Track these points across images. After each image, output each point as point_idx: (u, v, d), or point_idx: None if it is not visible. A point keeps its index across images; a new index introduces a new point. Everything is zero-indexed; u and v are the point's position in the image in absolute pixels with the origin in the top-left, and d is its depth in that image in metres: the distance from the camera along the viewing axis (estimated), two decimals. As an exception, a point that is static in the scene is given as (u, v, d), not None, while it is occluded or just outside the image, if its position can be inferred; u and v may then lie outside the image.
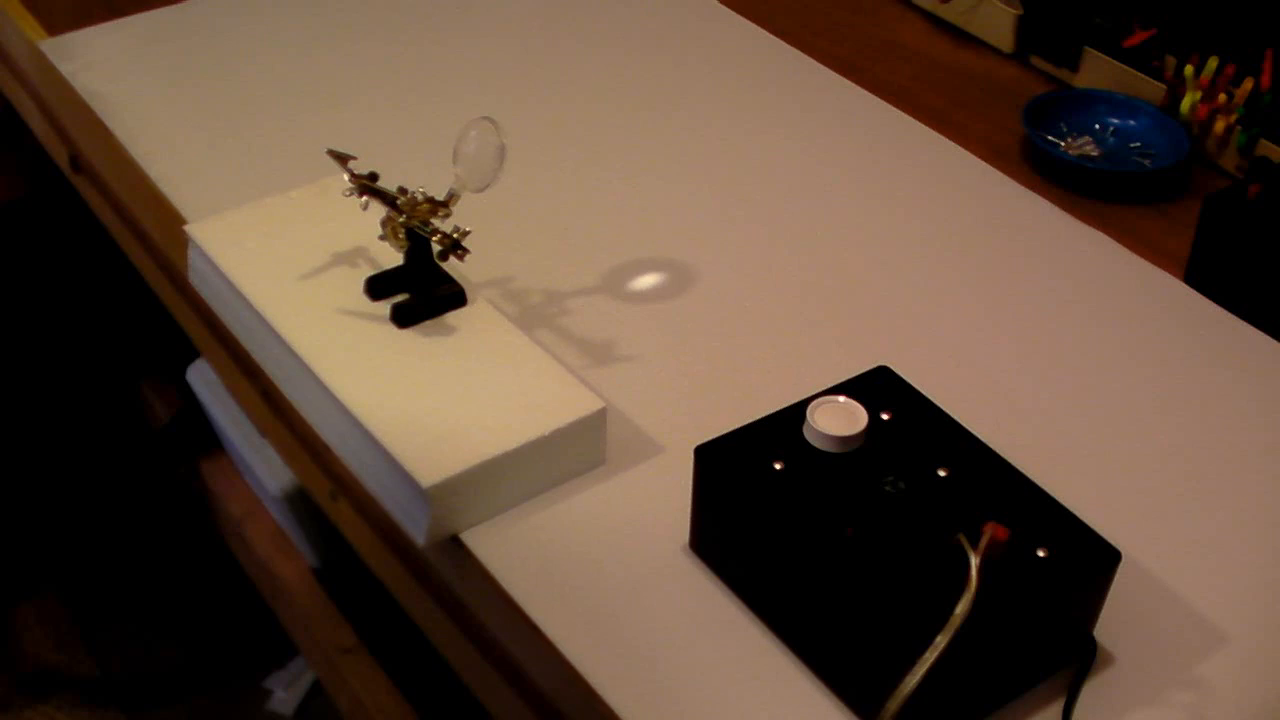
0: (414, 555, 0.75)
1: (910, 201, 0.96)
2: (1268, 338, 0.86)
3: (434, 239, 0.76)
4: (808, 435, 0.66)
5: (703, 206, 0.95)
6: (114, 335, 1.61)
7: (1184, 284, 0.90)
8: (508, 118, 0.84)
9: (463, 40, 1.11)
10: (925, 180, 0.98)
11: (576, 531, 0.71)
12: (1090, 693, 0.64)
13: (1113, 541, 0.63)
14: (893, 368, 0.72)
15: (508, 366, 0.75)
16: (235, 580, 1.47)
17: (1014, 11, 1.14)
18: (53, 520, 1.67)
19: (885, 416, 0.68)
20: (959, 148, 1.02)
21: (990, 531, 0.60)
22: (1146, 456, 0.77)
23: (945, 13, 1.19)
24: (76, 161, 1.09)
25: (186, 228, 0.85)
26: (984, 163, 1.00)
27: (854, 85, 1.08)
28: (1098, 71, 1.08)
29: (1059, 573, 0.61)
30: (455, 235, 0.76)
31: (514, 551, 0.70)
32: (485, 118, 0.75)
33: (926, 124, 1.04)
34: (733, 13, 1.17)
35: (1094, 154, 1.03)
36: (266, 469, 1.34)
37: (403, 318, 0.77)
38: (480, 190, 0.76)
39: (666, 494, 0.72)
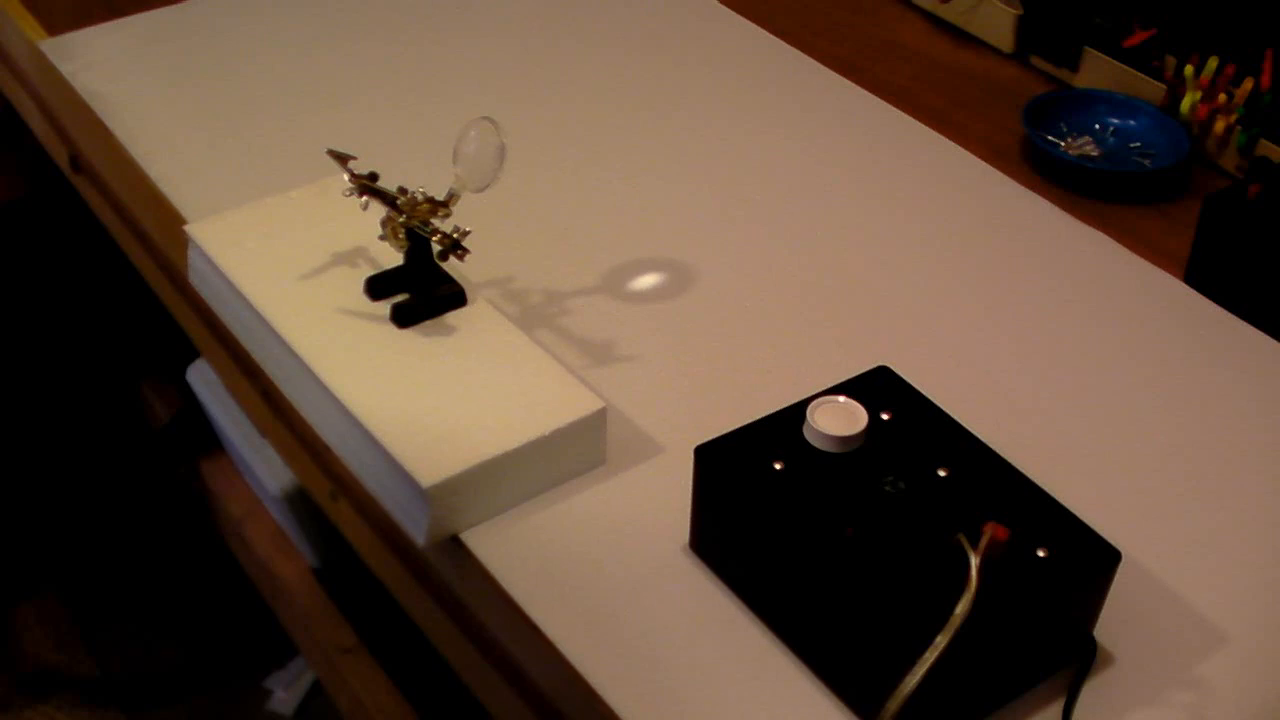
0: (414, 555, 0.75)
1: (910, 201, 0.96)
2: (1268, 338, 0.86)
3: (434, 239, 0.76)
4: (808, 435, 0.66)
5: (703, 206, 0.95)
6: (114, 335, 1.61)
7: (1184, 284, 0.90)
8: (508, 118, 0.84)
9: (463, 40, 1.11)
10: (925, 180, 0.98)
11: (576, 531, 0.71)
12: (1090, 693, 0.64)
13: (1113, 541, 0.63)
14: (893, 368, 0.72)
15: (508, 366, 0.75)
16: (235, 580, 1.47)
17: (1014, 11, 1.14)
18: (53, 520, 1.67)
19: (885, 416, 0.68)
20: (959, 148, 1.02)
21: (990, 531, 0.60)
22: (1146, 456, 0.77)
23: (945, 13, 1.19)
24: (76, 161, 1.09)
25: (186, 228, 0.85)
26: (984, 163, 1.00)
27: (854, 85, 1.08)
28: (1098, 71, 1.08)
29: (1059, 573, 0.61)
30: (455, 235, 0.76)
31: (514, 551, 0.70)
32: (485, 118, 0.75)
33: (926, 124, 1.04)
34: (733, 13, 1.17)
35: (1094, 154, 1.03)
36: (266, 469, 1.34)
37: (403, 318, 0.77)
38: (480, 190, 0.76)
39: (666, 494, 0.72)
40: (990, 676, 0.62)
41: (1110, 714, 0.63)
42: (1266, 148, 0.98)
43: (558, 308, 0.85)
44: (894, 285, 0.89)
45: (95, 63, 1.07)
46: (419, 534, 0.70)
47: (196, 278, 0.86)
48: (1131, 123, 1.05)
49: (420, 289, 0.78)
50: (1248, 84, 0.98)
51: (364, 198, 0.77)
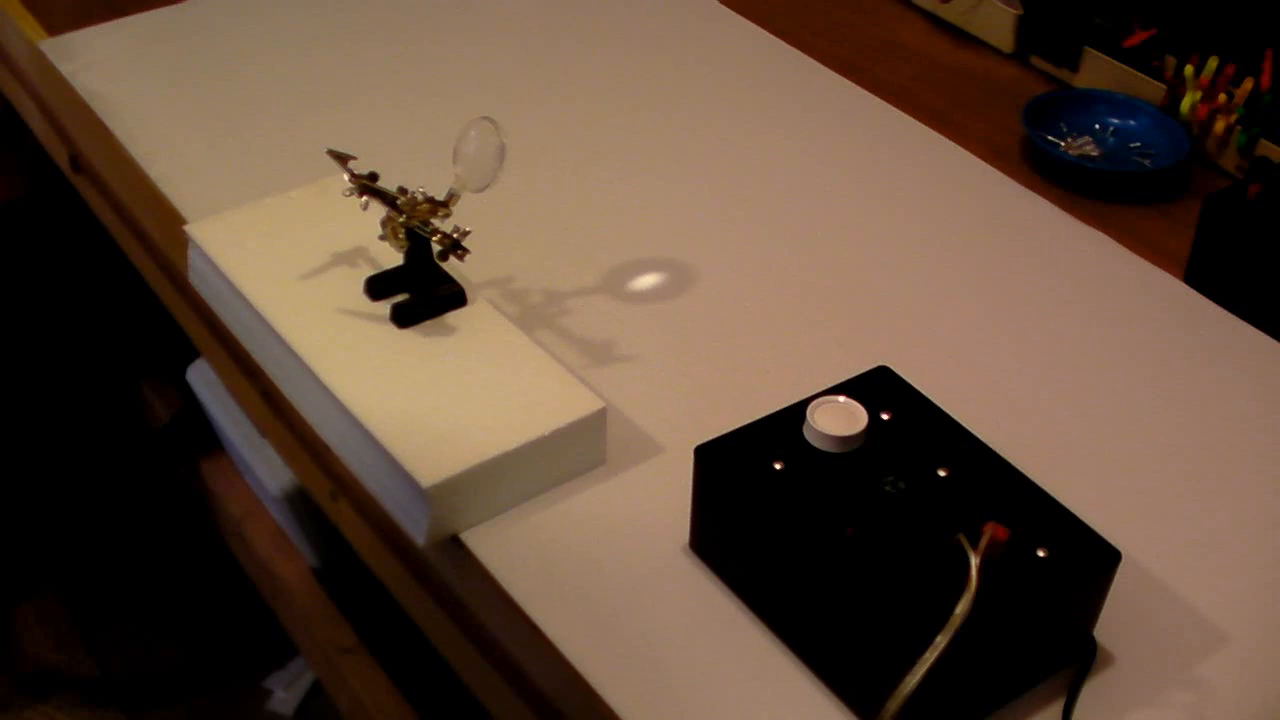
0: (414, 555, 0.75)
1: (910, 201, 0.96)
2: (1268, 338, 0.86)
3: (434, 239, 0.76)
4: (808, 435, 0.66)
5: (703, 206, 0.95)
6: (114, 335, 1.61)
7: (1184, 284, 0.90)
8: (508, 118, 0.84)
9: (463, 40, 1.11)
10: (925, 180, 0.98)
11: (576, 531, 0.71)
12: (1090, 693, 0.64)
13: (1113, 541, 0.63)
14: (893, 368, 0.72)
15: (508, 366, 0.75)
16: (235, 580, 1.47)
17: (1014, 11, 1.14)
18: (53, 520, 1.67)
19: (885, 416, 0.68)
20: (959, 148, 1.02)
21: (990, 531, 0.60)
22: (1146, 456, 0.77)
23: (945, 13, 1.19)
24: (76, 161, 1.09)
25: (186, 228, 0.85)
26: (984, 163, 1.00)
27: (854, 85, 1.08)
28: (1098, 71, 1.08)
29: (1059, 573, 0.61)
30: (455, 235, 0.76)
31: (514, 551, 0.70)
32: (485, 118, 0.75)
33: (926, 124, 1.04)
34: (733, 13, 1.17)
35: (1094, 154, 1.03)
36: (266, 469, 1.34)
37: (403, 318, 0.77)
38: (480, 190, 0.76)
39: (666, 494, 0.72)
40: (990, 676, 0.62)
41: (1110, 714, 0.63)
42: (1266, 148, 0.98)
43: (558, 308, 0.85)
44: (894, 285, 0.89)
45: (95, 63, 1.06)
46: (419, 534, 0.70)
47: (196, 278, 0.86)
48: (1131, 123, 1.05)
49: (420, 289, 0.78)
50: (1248, 84, 0.98)
51: (364, 198, 0.77)
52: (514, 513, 0.72)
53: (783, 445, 0.66)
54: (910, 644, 0.57)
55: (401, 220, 0.76)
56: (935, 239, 0.93)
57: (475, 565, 0.69)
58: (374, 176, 0.77)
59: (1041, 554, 0.61)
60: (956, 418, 0.69)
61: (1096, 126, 1.05)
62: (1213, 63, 1.01)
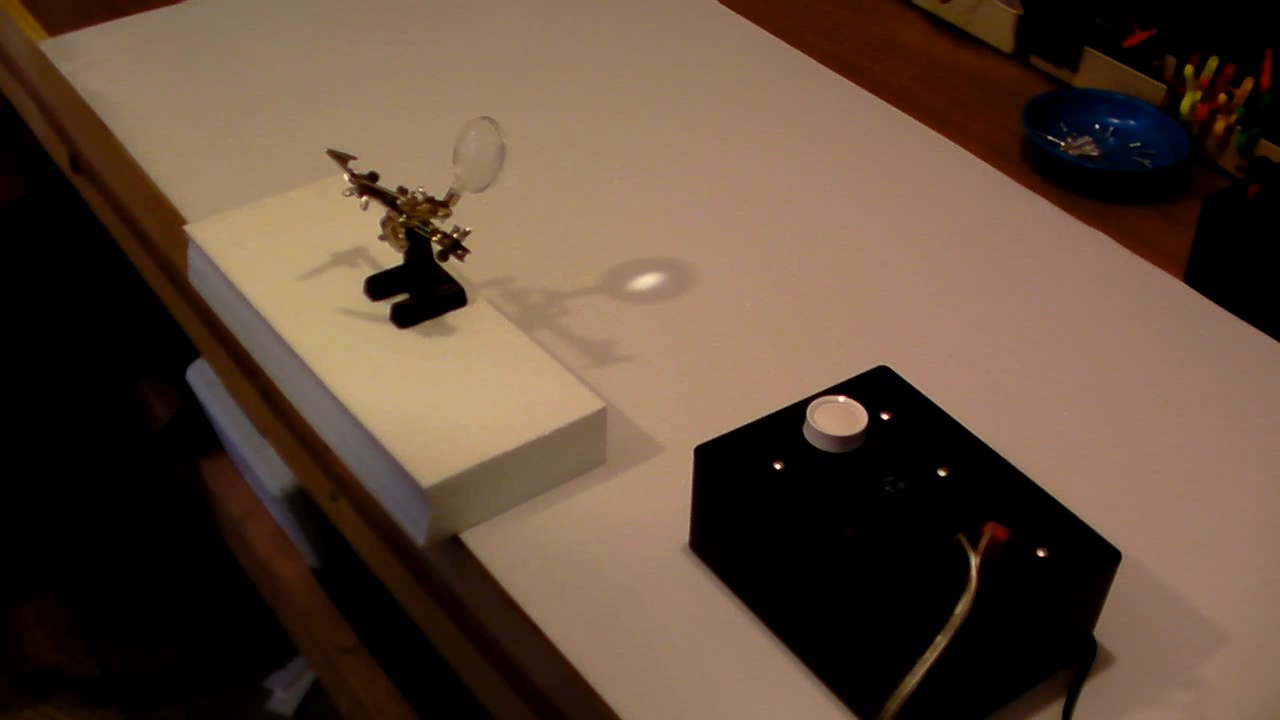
0: (414, 555, 0.75)
1: (910, 201, 0.96)
2: (1268, 338, 0.86)
3: (434, 239, 0.76)
4: (808, 435, 0.66)
5: (703, 206, 0.95)
6: (114, 335, 1.61)
7: (1184, 284, 0.90)
8: (508, 118, 0.84)
9: (463, 40, 1.11)
10: (925, 180, 0.98)
11: (576, 531, 0.71)
12: (1090, 693, 0.64)
13: (1113, 541, 0.63)
14: (893, 368, 0.72)
15: (508, 366, 0.75)
16: (235, 580, 1.47)
17: (1014, 11, 1.14)
18: (53, 520, 1.67)
19: (885, 416, 0.68)
20: (959, 148, 1.02)
21: (990, 531, 0.60)
22: (1146, 456, 0.77)
23: (945, 13, 1.19)
24: (76, 161, 1.09)
25: (186, 228, 0.85)
26: (984, 163, 1.00)
27: (854, 85, 1.08)
28: (1098, 71, 1.08)
29: (1059, 573, 0.61)
30: (455, 235, 0.76)
31: (514, 551, 0.70)
32: (485, 118, 0.75)
33: (926, 124, 1.04)
34: (733, 13, 1.17)
35: (1094, 154, 1.03)
36: (266, 469, 1.34)
37: (403, 318, 0.77)
38: (480, 190, 0.76)
39: (666, 494, 0.72)
40: (990, 676, 0.62)
41: (1110, 714, 0.63)
42: (1266, 148, 0.98)
43: (558, 308, 0.85)
44: (894, 285, 0.89)
45: (95, 63, 1.06)
46: (419, 534, 0.70)
47: (196, 278, 0.86)
48: (1131, 123, 1.05)
49: (420, 289, 0.78)
50: (1248, 84, 0.98)
51: (364, 198, 0.77)
52: (514, 513, 0.72)
53: (783, 445, 0.66)
54: (910, 644, 0.57)
55: (401, 220, 0.76)
56: (935, 239, 0.93)
57: (475, 565, 0.69)
58: (374, 176, 0.77)
59: (1041, 554, 0.61)
60: (956, 418, 0.69)
61: (1096, 126, 1.05)
62: (1213, 63, 1.01)
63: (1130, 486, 0.75)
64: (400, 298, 0.78)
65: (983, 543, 0.60)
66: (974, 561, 0.59)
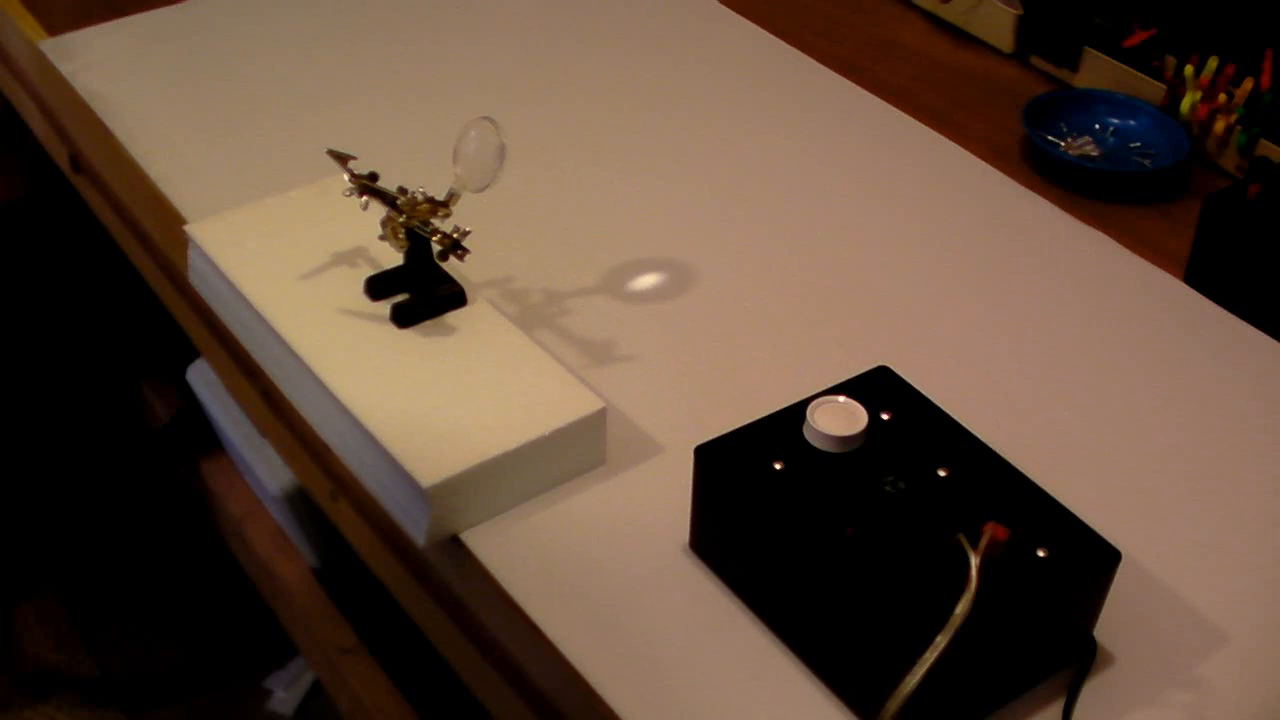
0: (414, 555, 0.75)
1: (910, 201, 0.96)
2: (1268, 338, 0.86)
3: (434, 239, 0.76)
4: (808, 435, 0.66)
5: (703, 206, 0.95)
6: (114, 335, 1.61)
7: (1184, 284, 0.90)
8: (508, 118, 0.84)
9: (463, 40, 1.11)
10: (925, 180, 0.98)
11: (576, 531, 0.71)
12: (1090, 693, 0.64)
13: (1113, 541, 0.63)
14: (893, 368, 0.72)
15: (508, 366, 0.75)
16: (235, 580, 1.47)
17: (1014, 11, 1.14)
18: (53, 520, 1.67)
19: (885, 416, 0.68)
20: (959, 148, 1.02)
21: (990, 531, 0.60)
22: (1146, 456, 0.77)
23: (945, 13, 1.19)
24: (76, 161, 1.09)
25: (186, 228, 0.85)
26: (984, 163, 1.00)
27: (854, 85, 1.08)
28: (1098, 71, 1.08)
29: (1059, 573, 0.61)
30: (455, 235, 0.76)
31: (514, 551, 0.70)
32: (485, 118, 0.75)
33: (926, 124, 1.04)
34: (733, 13, 1.17)
35: (1094, 154, 1.03)
36: (266, 469, 1.34)
37: (403, 318, 0.77)
38: (480, 190, 0.76)
39: (666, 494, 0.72)
40: (990, 676, 0.62)
41: (1110, 714, 0.63)
42: (1266, 148, 0.98)
43: (558, 308, 0.85)
44: (894, 285, 0.89)
45: (95, 63, 1.07)
46: (419, 534, 0.70)
47: (196, 278, 0.86)
48: (1131, 123, 1.05)
49: (420, 289, 0.78)
50: (1248, 84, 0.98)
51: (364, 198, 0.77)
52: (514, 513, 0.72)
53: (783, 445, 0.66)
54: (910, 644, 0.57)
55: (401, 220, 0.76)
56: (935, 239, 0.93)
57: (475, 565, 0.69)
58: (374, 176, 0.77)
59: (1041, 554, 0.61)
60: (956, 418, 0.69)
61: (1096, 126, 1.05)
62: (1213, 63, 1.01)
63: (1130, 486, 0.75)
64: (400, 298, 0.78)
65: (983, 543, 0.60)
66: (974, 561, 0.59)
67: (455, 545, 0.71)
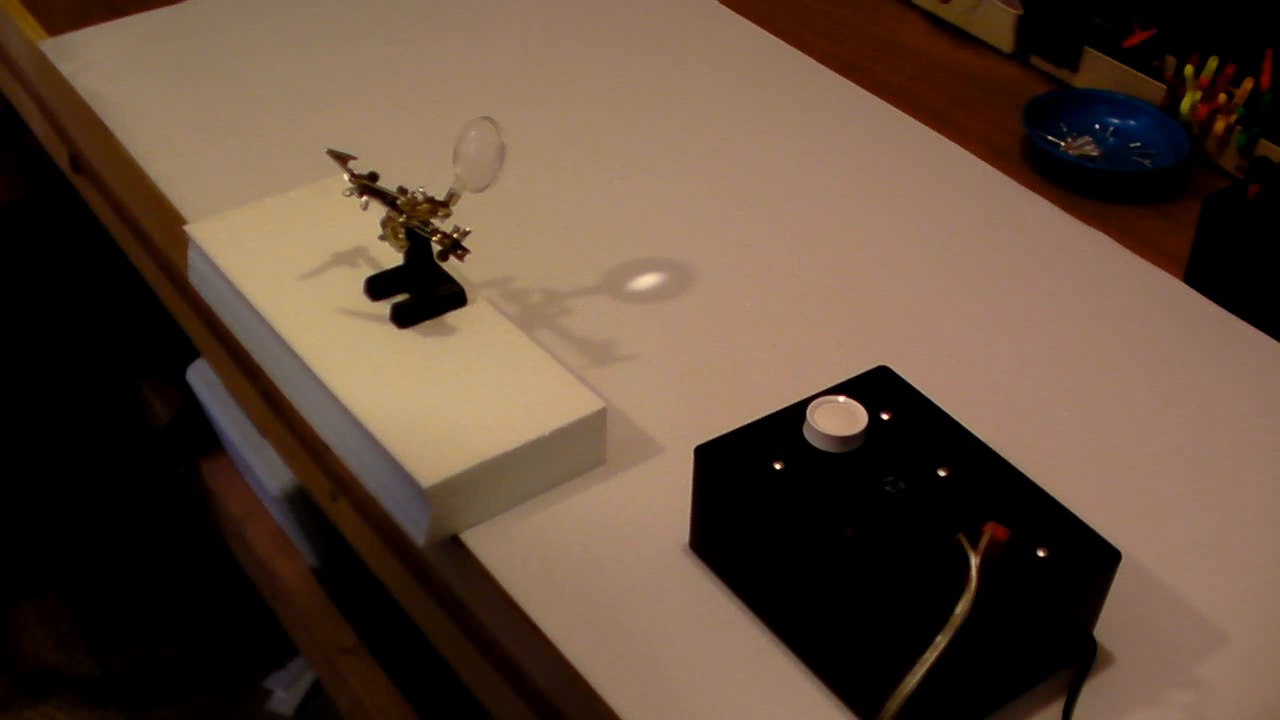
0: (414, 555, 0.75)
1: (910, 201, 0.96)
2: (1268, 338, 0.86)
3: (434, 239, 0.76)
4: (808, 435, 0.66)
5: (703, 206, 0.95)
6: (114, 335, 1.61)
7: (1184, 284, 0.90)
8: (508, 118, 0.84)
9: (463, 40, 1.11)
10: (925, 180, 0.98)
11: (576, 531, 0.71)
12: (1090, 693, 0.64)
13: (1113, 541, 0.63)
14: (893, 368, 0.72)
15: (508, 366, 0.75)
16: (235, 580, 1.47)
17: (1014, 11, 1.14)
18: (53, 520, 1.67)
19: (885, 416, 0.68)
20: (959, 148, 1.02)
21: (990, 531, 0.60)
22: (1146, 456, 0.77)
23: (945, 13, 1.19)
24: (76, 161, 1.09)
25: (186, 228, 0.85)
26: (984, 163, 1.00)
27: (854, 85, 1.08)
28: (1098, 71, 1.08)
29: (1059, 573, 0.61)
30: (455, 235, 0.76)
31: (514, 551, 0.70)
32: (485, 118, 0.75)
33: (926, 124, 1.04)
34: (733, 13, 1.17)
35: (1094, 154, 1.03)
36: (266, 469, 1.34)
37: (403, 318, 0.77)
38: (480, 190, 0.76)
39: (666, 494, 0.72)
40: (990, 676, 0.62)
41: (1110, 714, 0.63)
42: (1266, 148, 0.98)
43: (558, 308, 0.85)
44: (894, 285, 0.89)
45: (95, 63, 1.07)
46: (419, 534, 0.70)
47: (196, 278, 0.86)
48: (1131, 123, 1.05)
49: (420, 289, 0.78)
50: (1248, 84, 0.98)
51: (364, 198, 0.77)
52: (514, 513, 0.72)
53: (783, 445, 0.66)
54: (910, 644, 0.57)
55: (401, 220, 0.76)
56: (935, 239, 0.93)
57: (475, 565, 0.69)
58: (374, 176, 0.77)
59: (1041, 554, 0.61)
60: (956, 418, 0.69)
61: (1096, 126, 1.05)
62: (1213, 63, 1.01)
63: (1130, 486, 0.75)
64: (400, 298, 0.78)
65: (983, 543, 0.60)
66: (974, 561, 0.59)
67: (455, 545, 0.71)
